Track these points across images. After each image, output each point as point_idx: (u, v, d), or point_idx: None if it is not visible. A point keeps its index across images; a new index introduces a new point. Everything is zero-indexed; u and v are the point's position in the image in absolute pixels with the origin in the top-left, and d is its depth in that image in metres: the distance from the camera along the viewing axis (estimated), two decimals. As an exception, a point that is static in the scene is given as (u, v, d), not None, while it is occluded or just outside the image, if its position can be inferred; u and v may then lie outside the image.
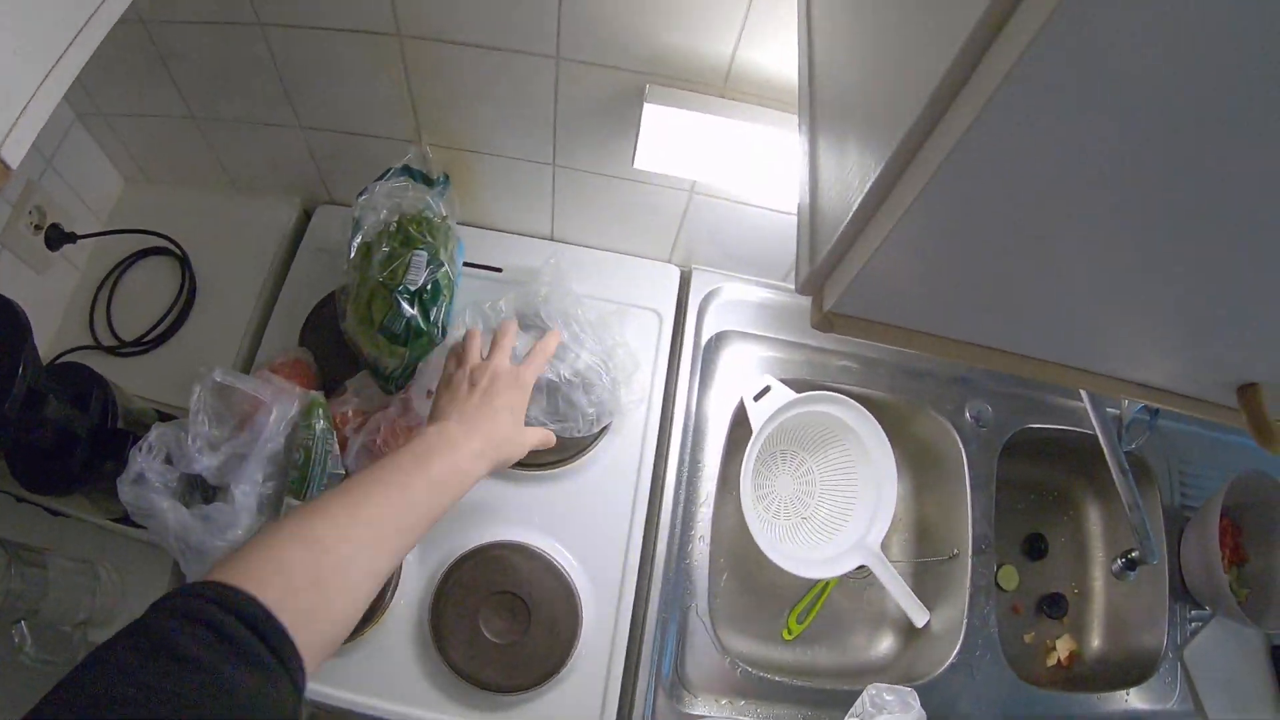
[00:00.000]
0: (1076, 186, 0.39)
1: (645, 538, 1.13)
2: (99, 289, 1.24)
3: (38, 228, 1.16)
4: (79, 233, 1.20)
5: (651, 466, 1.16)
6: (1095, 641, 1.32)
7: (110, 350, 1.21)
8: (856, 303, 0.54)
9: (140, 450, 1.00)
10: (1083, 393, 1.15)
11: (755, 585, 1.26)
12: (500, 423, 0.91)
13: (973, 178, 0.40)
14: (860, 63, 0.57)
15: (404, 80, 1.05)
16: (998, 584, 1.32)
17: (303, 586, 0.64)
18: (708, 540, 1.15)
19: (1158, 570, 1.27)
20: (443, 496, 0.82)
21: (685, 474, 1.17)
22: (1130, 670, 1.25)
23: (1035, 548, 1.36)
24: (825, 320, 0.57)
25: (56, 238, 1.18)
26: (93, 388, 1.03)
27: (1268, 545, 1.31)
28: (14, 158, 0.61)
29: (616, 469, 1.16)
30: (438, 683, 1.05)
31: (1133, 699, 1.20)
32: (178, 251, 1.25)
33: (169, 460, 1.03)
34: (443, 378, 0.97)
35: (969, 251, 0.48)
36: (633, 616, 1.10)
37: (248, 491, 1.03)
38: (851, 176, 0.51)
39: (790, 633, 1.24)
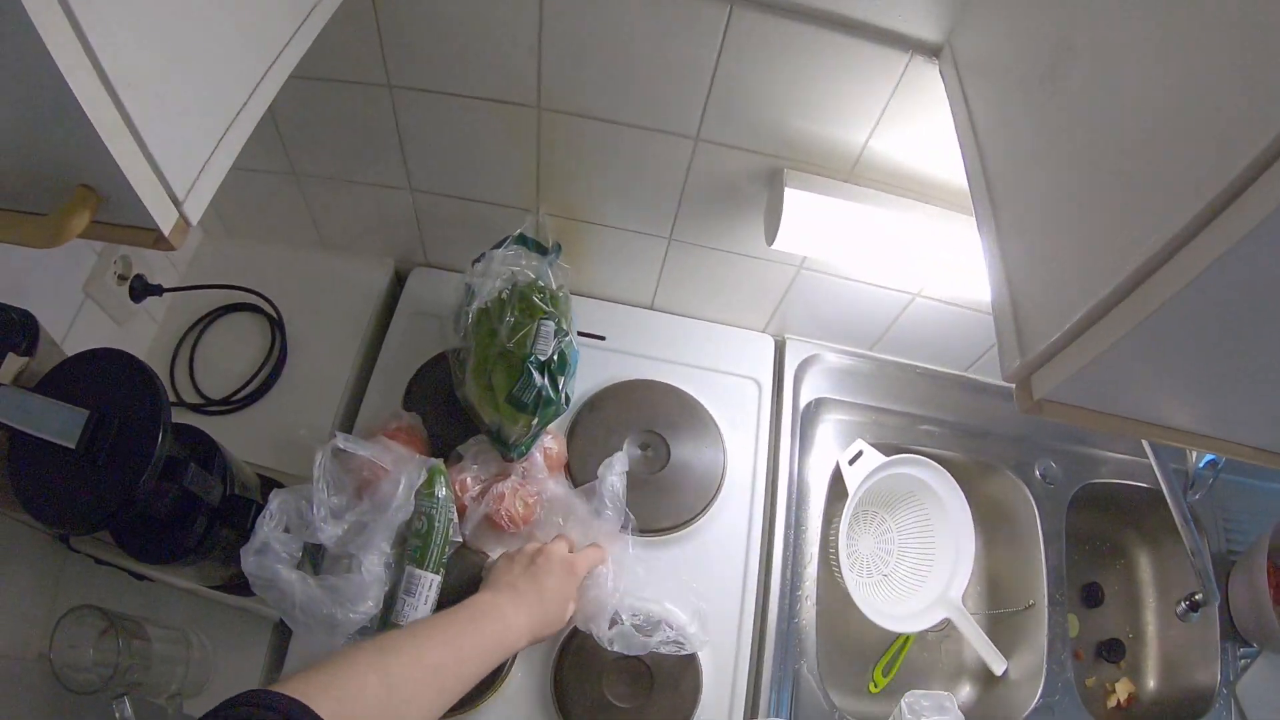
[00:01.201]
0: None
1: (758, 598, 1.24)
2: (179, 344, 1.28)
3: (122, 278, 1.19)
4: (164, 285, 1.23)
5: (761, 530, 1.27)
6: (1151, 683, 1.49)
7: (194, 408, 1.25)
8: (1070, 393, 0.65)
9: (264, 519, 1.04)
10: (1148, 449, 1.30)
11: (842, 641, 1.38)
12: (547, 604, 1.04)
13: (1196, 308, 0.51)
14: (1066, 193, 0.67)
15: (534, 150, 1.13)
16: (1060, 632, 1.49)
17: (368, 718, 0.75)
18: (813, 600, 1.26)
19: (1208, 611, 1.45)
20: (490, 657, 0.94)
21: (792, 537, 1.28)
22: (1186, 708, 1.41)
23: (1092, 596, 1.52)
24: (1036, 407, 0.67)
25: (141, 289, 1.21)
26: (213, 452, 1.07)
27: (1308, 583, 1.51)
28: (195, 214, 0.63)
29: (727, 534, 1.26)
30: (564, 750, 1.12)
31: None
32: (270, 309, 1.29)
33: (286, 529, 1.09)
34: (510, 551, 1.12)
35: (1185, 358, 0.59)
36: (749, 676, 1.19)
37: (375, 561, 1.08)
38: (1069, 289, 0.62)
39: (876, 685, 1.36)
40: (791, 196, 1.08)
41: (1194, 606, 1.39)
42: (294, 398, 1.27)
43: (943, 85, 0.93)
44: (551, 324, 1.15)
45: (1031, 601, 1.37)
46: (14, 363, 0.93)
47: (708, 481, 1.27)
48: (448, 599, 1.13)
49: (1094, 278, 0.58)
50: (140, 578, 1.16)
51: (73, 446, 0.84)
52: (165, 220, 0.60)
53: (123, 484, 0.86)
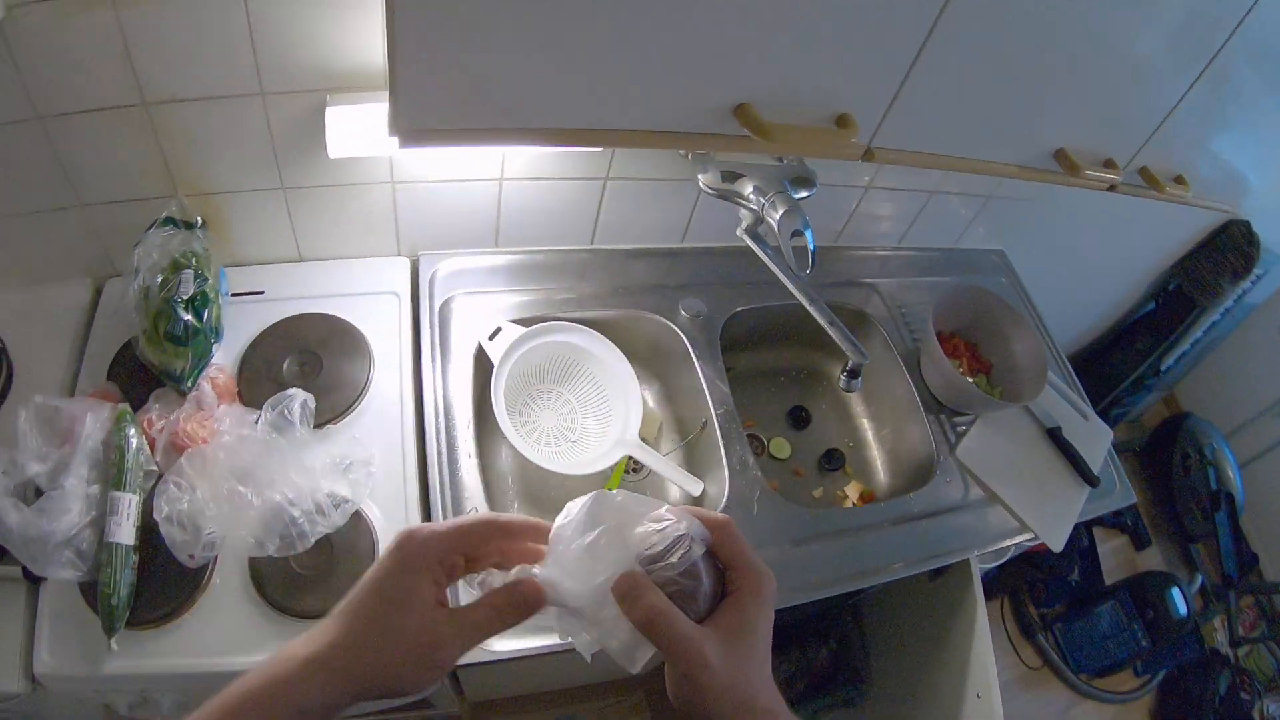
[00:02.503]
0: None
1: (420, 471, 1.49)
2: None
3: None
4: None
5: (414, 414, 1.54)
6: (881, 477, 1.68)
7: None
8: (428, 117, 0.84)
9: None
10: (753, 246, 1.51)
11: (547, 507, 1.59)
12: None
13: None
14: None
15: (155, 143, 1.44)
16: (772, 455, 1.68)
17: None
18: (475, 456, 1.48)
19: (909, 400, 1.65)
20: None
21: (443, 423, 1.51)
22: (915, 482, 1.60)
23: (799, 418, 1.72)
24: (413, 138, 0.86)
25: None
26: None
27: (1000, 343, 1.72)
28: None
29: (381, 419, 1.54)
30: (268, 629, 1.34)
31: (917, 502, 1.55)
32: (-5, 342, 1.57)
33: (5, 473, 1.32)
34: None
35: (475, 33, 0.78)
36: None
37: (75, 483, 1.32)
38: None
39: (590, 533, 1.56)
40: (332, 113, 1.39)
41: (853, 374, 1.52)
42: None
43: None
44: (191, 272, 1.46)
45: (704, 420, 1.58)
46: None
47: (359, 375, 1.55)
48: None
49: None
50: None
51: None
52: None
53: None
